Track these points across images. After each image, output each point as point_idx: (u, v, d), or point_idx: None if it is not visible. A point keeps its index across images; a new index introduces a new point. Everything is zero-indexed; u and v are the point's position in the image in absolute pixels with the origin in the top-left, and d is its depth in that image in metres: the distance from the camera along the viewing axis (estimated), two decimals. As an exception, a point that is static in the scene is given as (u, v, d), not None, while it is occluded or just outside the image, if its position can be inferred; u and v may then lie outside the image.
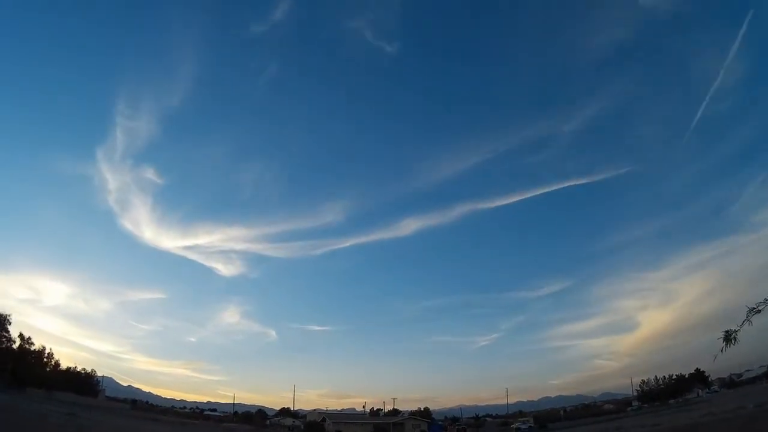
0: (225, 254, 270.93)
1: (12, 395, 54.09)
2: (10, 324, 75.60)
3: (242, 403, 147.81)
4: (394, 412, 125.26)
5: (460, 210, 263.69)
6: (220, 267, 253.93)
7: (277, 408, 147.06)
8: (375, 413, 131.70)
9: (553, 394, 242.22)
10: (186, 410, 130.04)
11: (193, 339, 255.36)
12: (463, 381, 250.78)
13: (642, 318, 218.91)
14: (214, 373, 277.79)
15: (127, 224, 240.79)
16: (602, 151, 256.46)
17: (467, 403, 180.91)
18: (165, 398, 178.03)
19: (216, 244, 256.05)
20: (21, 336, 79.73)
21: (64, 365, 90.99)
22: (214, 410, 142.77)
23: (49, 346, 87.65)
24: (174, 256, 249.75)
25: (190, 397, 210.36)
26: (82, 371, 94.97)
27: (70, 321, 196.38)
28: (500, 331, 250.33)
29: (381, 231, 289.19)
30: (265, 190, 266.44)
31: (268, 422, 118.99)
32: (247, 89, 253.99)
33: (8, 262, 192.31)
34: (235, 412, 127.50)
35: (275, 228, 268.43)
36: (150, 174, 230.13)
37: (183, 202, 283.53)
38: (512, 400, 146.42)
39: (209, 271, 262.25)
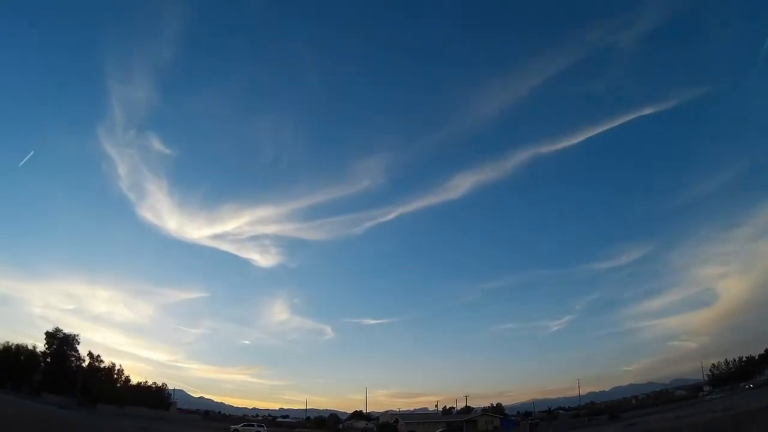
0: (257, 241, 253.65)
1: (84, 412, 56.62)
2: (78, 344, 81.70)
3: (314, 408, 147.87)
4: (467, 409, 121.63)
5: (517, 158, 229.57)
6: (257, 257, 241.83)
7: (350, 411, 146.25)
8: (447, 412, 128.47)
9: (624, 383, 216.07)
10: (258, 418, 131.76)
11: (246, 341, 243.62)
12: (533, 372, 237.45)
13: (721, 288, 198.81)
14: (273, 377, 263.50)
15: (147, 214, 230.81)
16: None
17: (538, 397, 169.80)
18: (237, 407, 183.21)
19: (245, 229, 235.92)
20: (90, 354, 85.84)
21: (134, 380, 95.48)
22: (287, 417, 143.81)
23: (119, 362, 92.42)
24: (204, 249, 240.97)
25: (261, 404, 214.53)
26: (153, 385, 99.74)
27: (117, 330, 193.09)
28: (574, 313, 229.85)
29: (428, 194, 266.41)
30: (286, 151, 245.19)
31: (341, 426, 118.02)
32: (243, 34, 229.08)
33: (38, 269, 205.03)
34: (308, 418, 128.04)
35: (305, 201, 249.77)
36: (157, 145, 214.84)
37: (200, 178, 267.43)
38: (583, 391, 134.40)
39: (246, 264, 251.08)
